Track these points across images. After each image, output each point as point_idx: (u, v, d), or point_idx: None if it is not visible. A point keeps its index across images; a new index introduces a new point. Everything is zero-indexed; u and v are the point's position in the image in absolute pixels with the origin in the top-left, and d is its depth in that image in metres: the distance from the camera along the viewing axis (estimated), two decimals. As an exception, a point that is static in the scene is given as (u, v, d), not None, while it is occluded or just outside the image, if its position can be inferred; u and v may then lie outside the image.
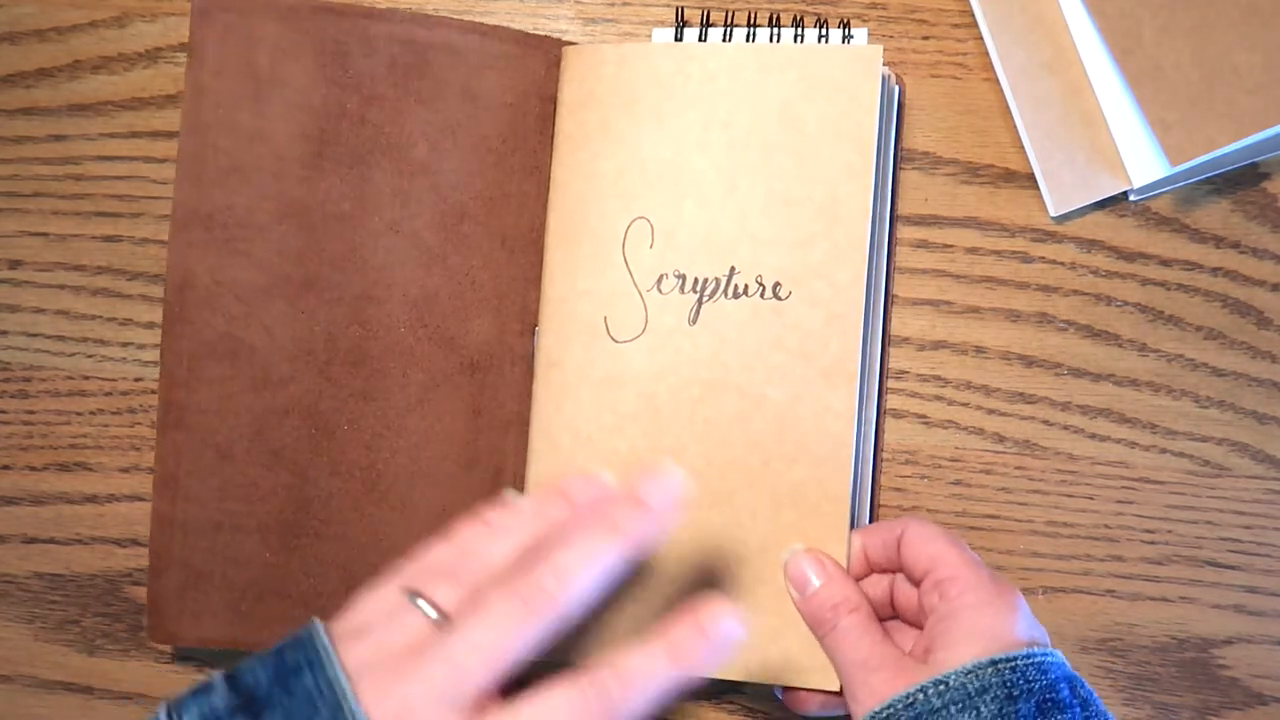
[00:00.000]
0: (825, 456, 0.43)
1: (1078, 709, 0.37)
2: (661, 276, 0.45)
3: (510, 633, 0.31)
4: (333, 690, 0.30)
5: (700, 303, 0.44)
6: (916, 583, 0.41)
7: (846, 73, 0.44)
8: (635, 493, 0.34)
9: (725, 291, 0.44)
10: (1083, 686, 0.38)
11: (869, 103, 0.44)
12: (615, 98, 0.46)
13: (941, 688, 0.36)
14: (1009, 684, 0.36)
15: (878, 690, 0.38)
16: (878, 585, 0.44)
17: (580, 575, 0.32)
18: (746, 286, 0.44)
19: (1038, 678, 0.37)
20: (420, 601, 0.32)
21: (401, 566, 0.35)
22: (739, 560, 0.44)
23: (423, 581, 0.33)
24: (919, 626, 0.42)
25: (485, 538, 0.35)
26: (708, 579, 0.44)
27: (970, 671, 0.36)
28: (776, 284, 0.44)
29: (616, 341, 0.45)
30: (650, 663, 0.31)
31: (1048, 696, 0.36)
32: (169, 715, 0.31)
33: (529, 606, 0.31)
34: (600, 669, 0.31)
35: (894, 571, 0.43)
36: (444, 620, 0.32)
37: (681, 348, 0.45)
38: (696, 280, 0.45)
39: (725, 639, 0.32)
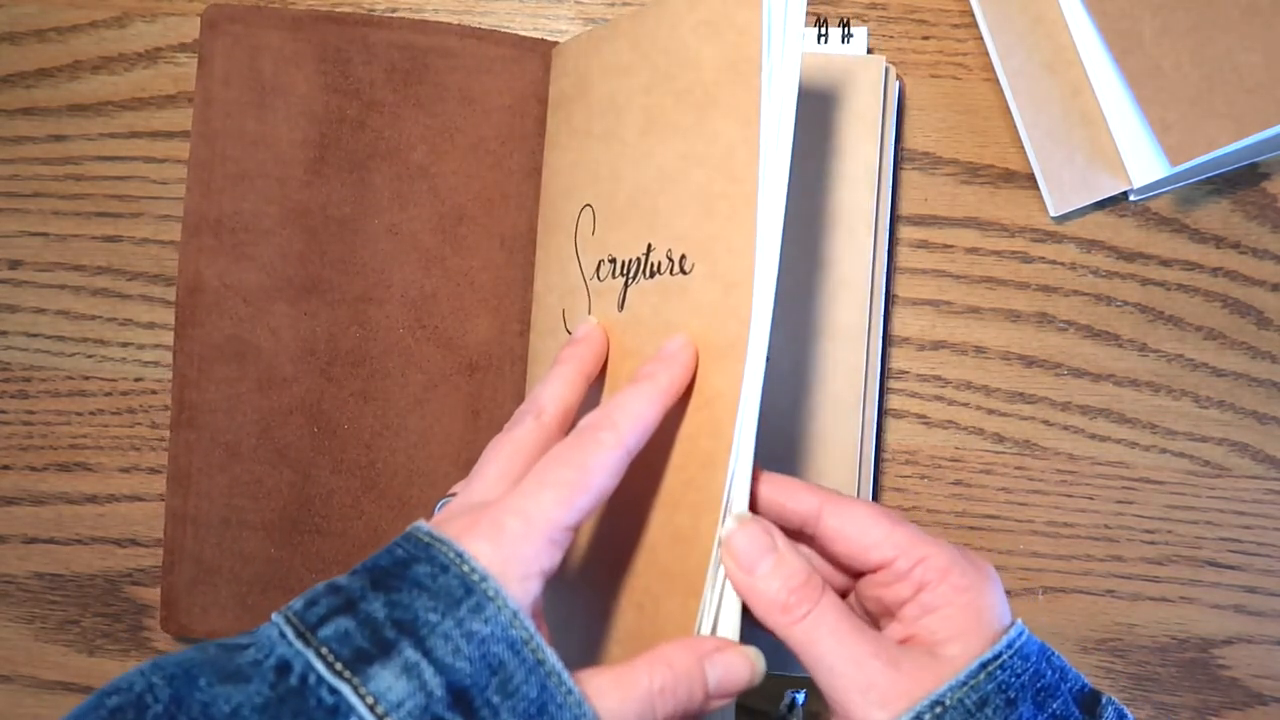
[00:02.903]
0: (708, 452, 0.36)
1: (1064, 689, 0.34)
2: (600, 263, 0.42)
3: (506, 447, 0.36)
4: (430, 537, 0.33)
5: (626, 286, 0.41)
6: (857, 573, 0.36)
7: (731, 2, 0.38)
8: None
9: (644, 271, 0.40)
10: (1055, 656, 0.35)
11: (751, 32, 0.37)
12: (575, 90, 0.45)
13: (939, 709, 0.32)
14: (1004, 686, 0.33)
15: (902, 688, 0.32)
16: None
17: (539, 392, 0.38)
18: (659, 264, 0.39)
19: (1024, 668, 0.33)
20: (444, 500, 0.37)
21: None
22: (634, 560, 0.39)
23: (450, 491, 0.39)
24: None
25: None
26: (615, 571, 0.40)
27: (964, 684, 0.32)
28: (683, 257, 0.38)
29: (570, 334, 0.43)
30: (618, 396, 0.35)
31: (1038, 686, 0.33)
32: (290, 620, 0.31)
33: (512, 425, 0.37)
34: (592, 416, 0.35)
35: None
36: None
37: (614, 336, 0.41)
38: (624, 264, 0.41)
39: (668, 350, 0.37)
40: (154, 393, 0.51)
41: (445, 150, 0.48)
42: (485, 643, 0.30)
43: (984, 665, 0.33)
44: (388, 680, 0.28)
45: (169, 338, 0.51)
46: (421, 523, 0.33)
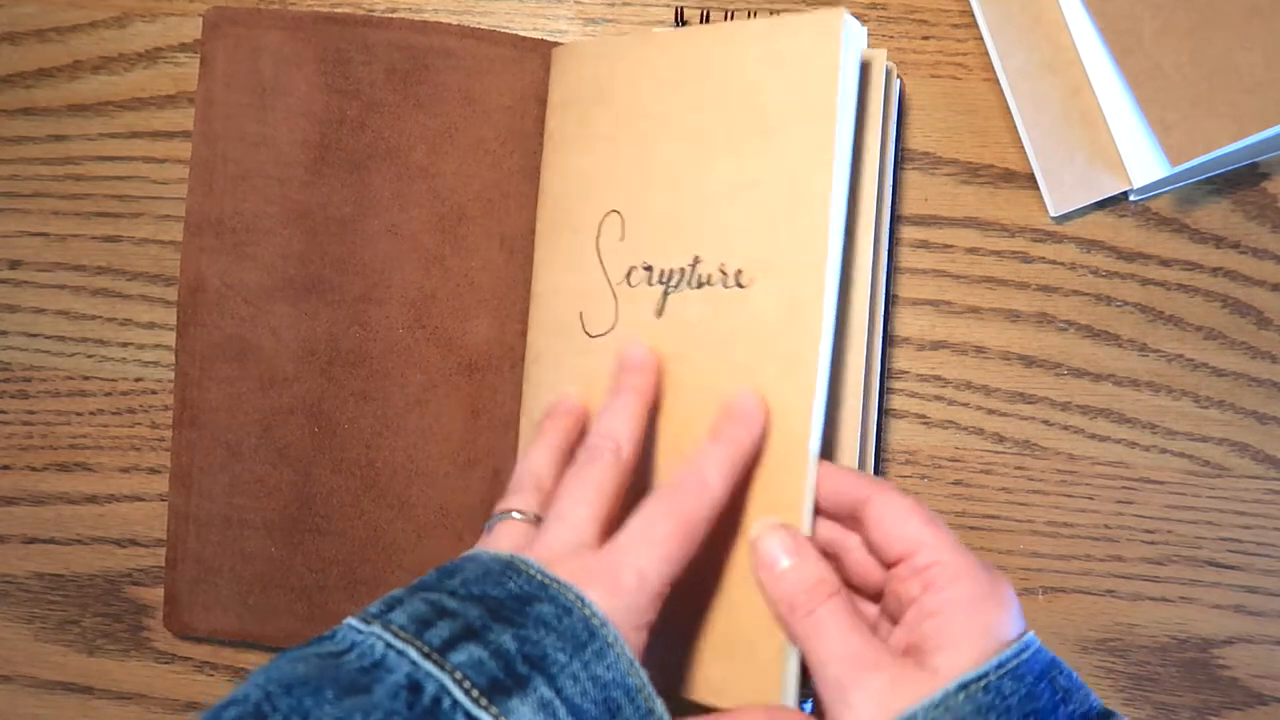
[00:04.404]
0: (781, 457, 0.38)
1: (1062, 712, 0.33)
2: (631, 269, 0.43)
3: (591, 486, 0.36)
4: (497, 559, 0.34)
5: (666, 295, 0.42)
6: (887, 564, 0.37)
7: (807, 41, 0.39)
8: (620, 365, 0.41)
9: (689, 281, 0.41)
10: (1062, 675, 0.34)
11: (829, 71, 0.39)
12: (592, 94, 0.45)
13: None
14: (984, 709, 0.32)
15: (879, 696, 0.33)
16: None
17: (613, 425, 0.38)
18: (710, 276, 0.41)
19: (1014, 690, 0.32)
20: (511, 514, 0.38)
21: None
22: (696, 565, 0.40)
23: (502, 505, 0.39)
24: (874, 600, 0.39)
25: (530, 454, 0.41)
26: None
27: (939, 704, 0.32)
28: (739, 272, 0.40)
29: (590, 336, 0.44)
30: (705, 452, 0.37)
31: (1028, 710, 0.33)
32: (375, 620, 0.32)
33: (591, 460, 0.37)
34: (673, 473, 0.37)
35: (840, 522, 0.39)
36: (532, 518, 0.37)
37: (651, 341, 0.42)
38: (663, 272, 0.42)
39: (745, 409, 0.38)
40: (154, 393, 0.51)
41: (445, 150, 0.48)
42: (606, 687, 0.31)
43: (964, 686, 0.32)
44: (526, 715, 0.29)
45: (169, 338, 0.51)
46: (529, 558, 0.34)
